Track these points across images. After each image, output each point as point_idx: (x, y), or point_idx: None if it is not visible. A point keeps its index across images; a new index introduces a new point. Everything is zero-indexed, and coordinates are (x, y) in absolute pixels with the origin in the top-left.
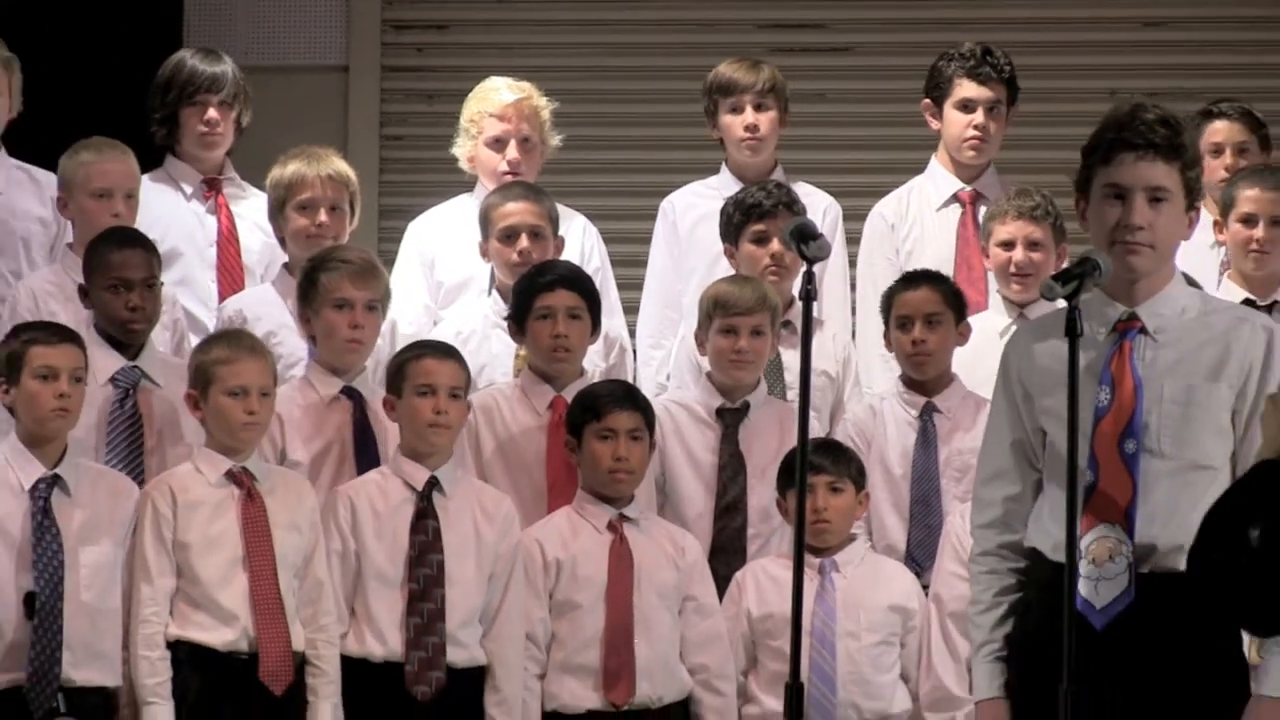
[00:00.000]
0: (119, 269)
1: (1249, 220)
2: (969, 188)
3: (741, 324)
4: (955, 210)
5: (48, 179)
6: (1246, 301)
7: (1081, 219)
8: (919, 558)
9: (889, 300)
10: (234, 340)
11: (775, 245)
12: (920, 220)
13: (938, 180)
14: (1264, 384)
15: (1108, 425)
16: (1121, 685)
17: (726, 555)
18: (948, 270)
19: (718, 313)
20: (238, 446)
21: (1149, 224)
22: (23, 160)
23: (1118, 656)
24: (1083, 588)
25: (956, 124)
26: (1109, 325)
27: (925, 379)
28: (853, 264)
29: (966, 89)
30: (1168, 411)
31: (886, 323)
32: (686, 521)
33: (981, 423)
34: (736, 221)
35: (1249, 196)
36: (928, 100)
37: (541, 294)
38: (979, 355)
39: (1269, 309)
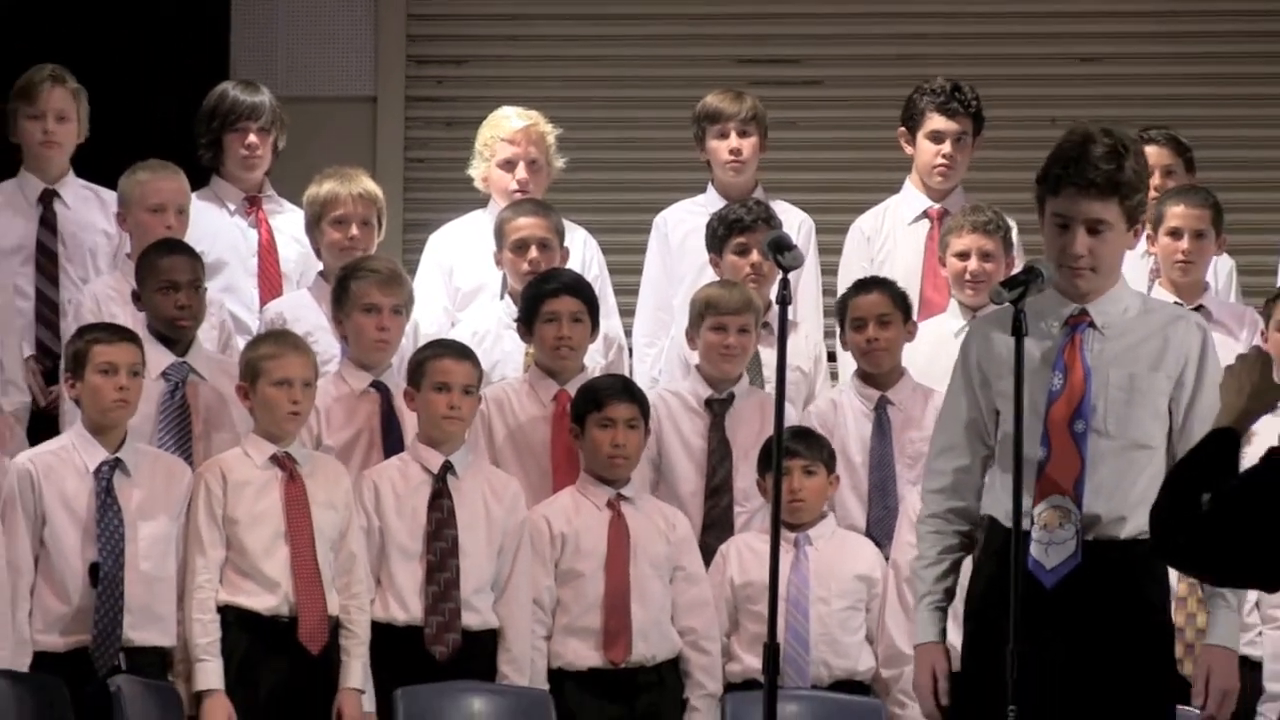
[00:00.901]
0: (167, 273)
1: (1175, 234)
2: (938, 205)
3: (730, 322)
4: (924, 225)
5: (111, 196)
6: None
7: (1042, 230)
8: (877, 535)
9: (843, 306)
10: (280, 338)
11: (755, 256)
12: (893, 234)
13: (910, 198)
14: (1200, 374)
15: (1060, 407)
16: (1066, 638)
17: (717, 530)
18: (916, 278)
19: (709, 312)
20: (282, 433)
21: (1089, 251)
22: (86, 180)
23: (1064, 613)
24: (1034, 551)
25: (926, 152)
26: (1062, 320)
27: (880, 372)
28: (825, 273)
29: (936, 122)
30: (1113, 396)
31: (842, 327)
32: (681, 499)
33: (930, 412)
34: (721, 234)
35: (1175, 213)
36: (903, 128)
37: (548, 300)
38: (937, 352)
39: (1194, 311)
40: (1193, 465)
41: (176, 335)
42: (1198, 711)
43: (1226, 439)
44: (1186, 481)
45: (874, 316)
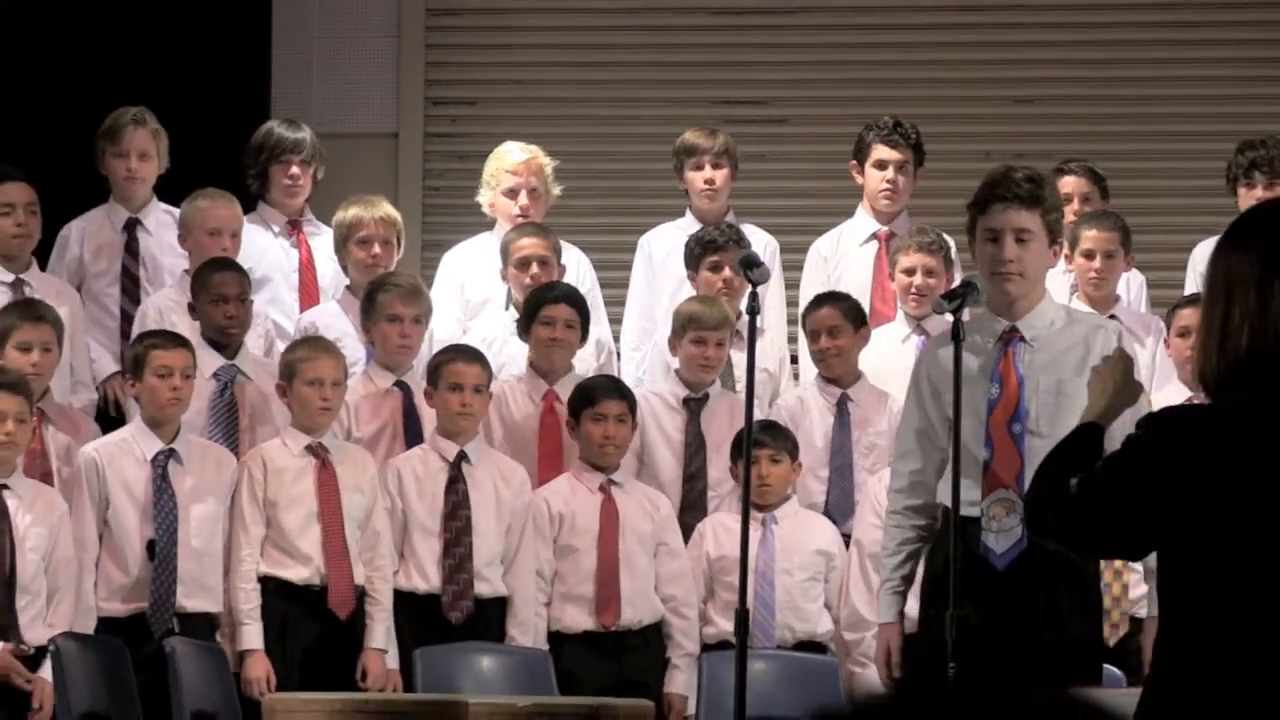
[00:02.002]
0: (218, 287)
1: (1089, 255)
2: (886, 228)
3: (710, 336)
4: (874, 246)
5: None
6: None
7: (973, 256)
8: (835, 514)
9: (805, 319)
10: (313, 343)
11: (727, 272)
12: (847, 254)
13: (861, 222)
14: None
15: (999, 413)
16: (1014, 617)
17: (693, 511)
18: (866, 292)
19: (691, 327)
20: (315, 426)
21: (1016, 258)
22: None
23: (1013, 592)
24: (985, 539)
25: (873, 179)
26: (995, 336)
27: (834, 375)
28: (788, 287)
29: (880, 152)
30: (1043, 401)
31: (806, 336)
32: (661, 486)
33: (884, 409)
34: (697, 253)
35: (1089, 236)
36: (854, 161)
37: (547, 305)
38: (885, 356)
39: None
40: (1061, 453)
41: (226, 341)
42: (1119, 672)
43: (1092, 431)
44: (1056, 467)
45: (825, 329)
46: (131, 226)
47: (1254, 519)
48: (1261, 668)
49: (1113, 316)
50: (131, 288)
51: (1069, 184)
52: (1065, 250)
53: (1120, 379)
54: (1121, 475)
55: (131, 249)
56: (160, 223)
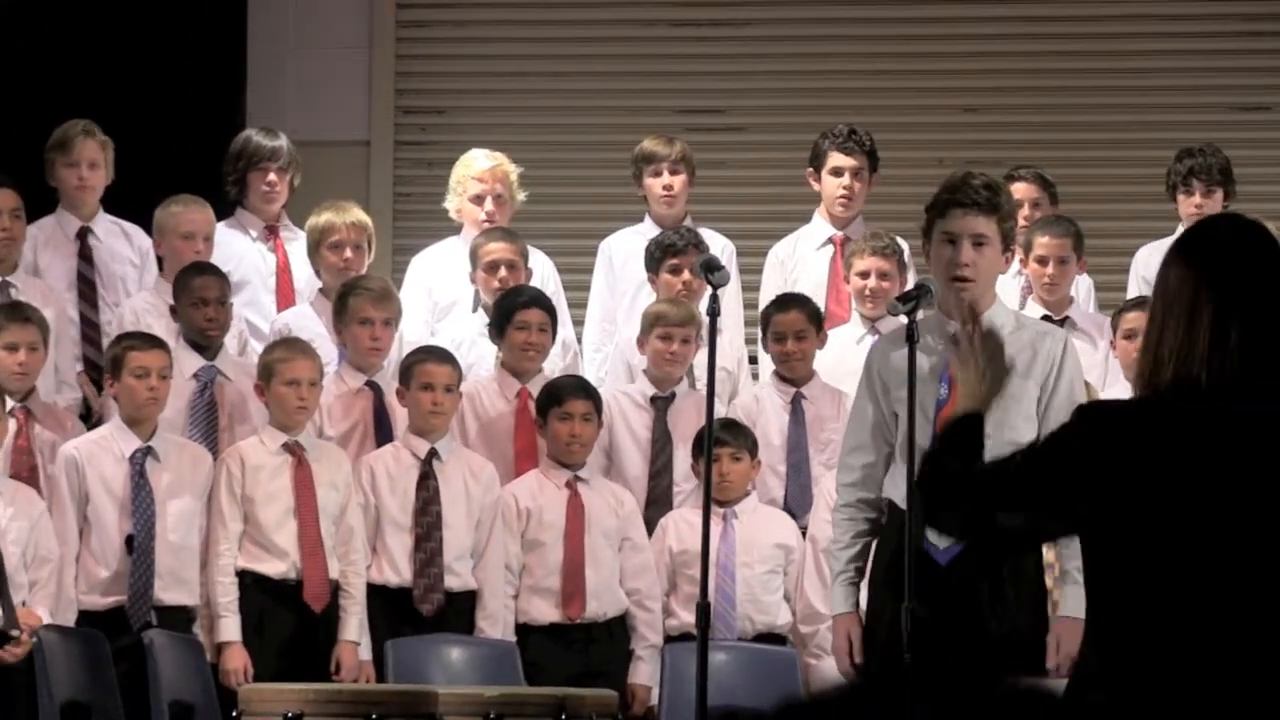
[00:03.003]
0: (199, 290)
1: (1042, 261)
2: (841, 233)
3: (675, 333)
4: (829, 250)
5: (135, 230)
6: (1045, 318)
7: (926, 258)
8: (793, 509)
9: (766, 319)
10: (291, 344)
11: (686, 275)
12: (804, 259)
13: (817, 227)
14: (1059, 379)
15: (947, 413)
16: (957, 608)
17: (659, 506)
18: (822, 294)
19: (659, 324)
20: (292, 425)
21: (972, 263)
22: (122, 213)
23: (955, 586)
24: (929, 535)
25: (829, 186)
26: (946, 337)
27: (795, 377)
28: (745, 289)
29: (836, 159)
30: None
31: (764, 335)
32: (628, 481)
33: (838, 407)
34: (657, 257)
35: (1042, 243)
36: (811, 168)
37: (520, 311)
38: (841, 357)
39: (1061, 323)
40: (944, 440)
41: (206, 343)
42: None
43: (971, 419)
44: (940, 453)
45: (793, 332)
46: (83, 235)
47: (1180, 512)
48: (1184, 660)
49: (1066, 319)
50: (89, 293)
51: (1020, 190)
52: (1019, 255)
53: (985, 363)
54: (1050, 465)
55: (85, 256)
56: (109, 232)
